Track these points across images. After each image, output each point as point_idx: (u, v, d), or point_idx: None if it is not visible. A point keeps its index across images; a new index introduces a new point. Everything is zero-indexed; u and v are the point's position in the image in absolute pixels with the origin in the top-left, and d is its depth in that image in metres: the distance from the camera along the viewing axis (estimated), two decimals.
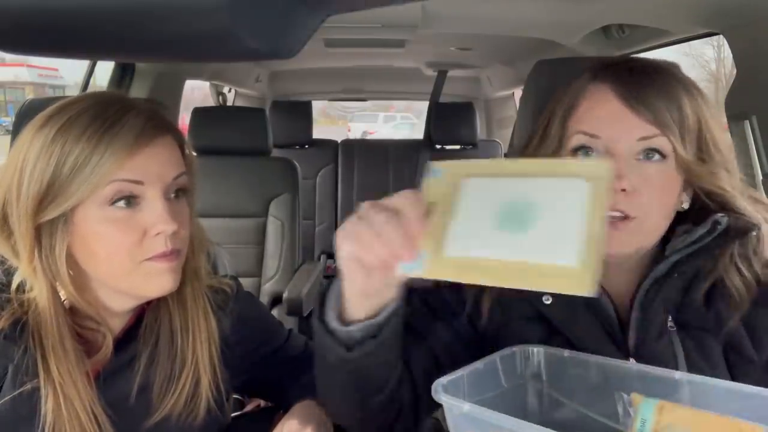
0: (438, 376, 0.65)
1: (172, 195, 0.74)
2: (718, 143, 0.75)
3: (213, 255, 0.94)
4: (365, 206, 0.61)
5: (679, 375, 0.62)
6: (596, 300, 0.78)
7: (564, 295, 0.77)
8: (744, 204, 0.75)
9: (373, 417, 0.76)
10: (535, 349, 0.70)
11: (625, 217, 0.73)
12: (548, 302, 0.79)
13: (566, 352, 0.66)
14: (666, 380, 0.62)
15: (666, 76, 0.75)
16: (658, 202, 0.74)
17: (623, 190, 0.71)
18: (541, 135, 0.82)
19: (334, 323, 0.68)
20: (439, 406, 0.89)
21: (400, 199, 0.60)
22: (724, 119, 1.22)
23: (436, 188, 0.61)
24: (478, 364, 0.66)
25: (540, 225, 0.55)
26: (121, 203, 0.70)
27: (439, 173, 0.62)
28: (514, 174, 0.59)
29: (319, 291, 0.71)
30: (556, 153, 0.80)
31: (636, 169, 0.73)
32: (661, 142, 0.73)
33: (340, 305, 0.69)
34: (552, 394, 0.68)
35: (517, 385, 0.67)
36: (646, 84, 0.74)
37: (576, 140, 0.76)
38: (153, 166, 0.71)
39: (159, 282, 0.73)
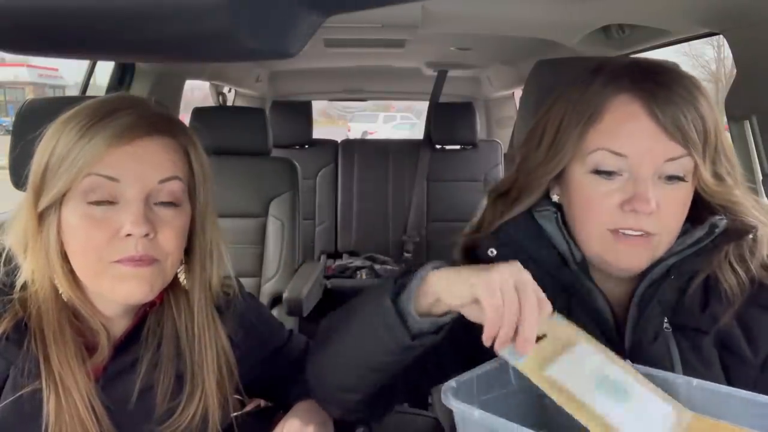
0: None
1: (160, 200, 0.73)
2: (728, 153, 0.75)
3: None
4: (525, 281, 0.64)
5: (683, 380, 0.62)
6: (593, 301, 0.78)
7: (559, 297, 0.78)
8: (751, 212, 0.76)
9: (369, 396, 0.77)
10: None
11: (647, 234, 0.73)
12: None
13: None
14: (676, 385, 0.63)
15: (691, 89, 0.73)
16: (678, 219, 0.74)
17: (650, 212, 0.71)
18: (550, 144, 0.78)
19: (411, 310, 0.68)
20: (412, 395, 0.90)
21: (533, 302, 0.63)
22: (724, 120, 1.22)
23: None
24: (487, 366, 0.66)
25: (628, 407, 0.61)
26: (96, 197, 0.69)
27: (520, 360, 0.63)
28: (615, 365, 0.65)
29: (396, 276, 0.72)
30: (568, 167, 0.77)
31: (659, 188, 0.72)
32: (686, 163, 0.72)
33: (413, 296, 0.69)
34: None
35: (527, 385, 0.67)
36: (676, 101, 0.71)
37: (598, 157, 0.73)
38: (132, 165, 0.70)
39: (126, 287, 0.70)
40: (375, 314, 0.70)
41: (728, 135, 1.21)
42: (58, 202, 0.70)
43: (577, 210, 0.77)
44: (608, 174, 0.73)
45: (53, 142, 0.70)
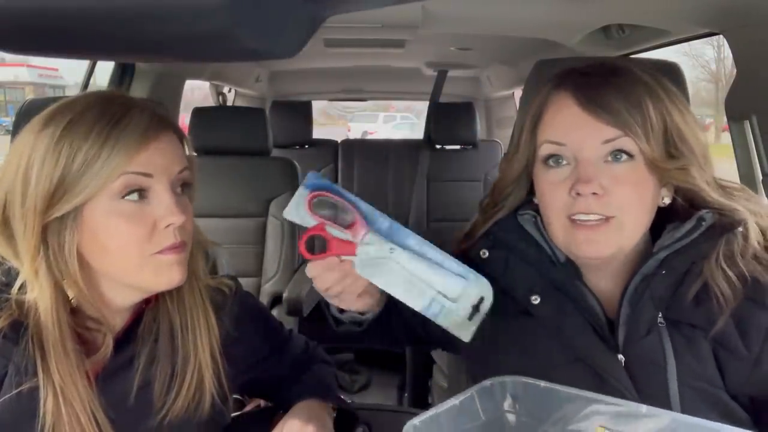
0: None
1: (178, 189, 0.76)
2: (687, 138, 0.76)
3: (212, 255, 0.95)
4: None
5: (645, 409, 0.60)
6: (583, 298, 0.80)
7: (552, 295, 0.81)
8: (717, 198, 0.77)
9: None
10: (511, 381, 0.67)
11: (605, 219, 0.74)
12: (536, 302, 0.81)
13: (542, 383, 0.64)
14: (635, 413, 0.60)
15: (624, 77, 0.76)
16: (633, 199, 0.75)
17: (594, 193, 0.73)
18: (515, 145, 0.85)
19: (332, 310, 0.86)
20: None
21: None
22: (725, 120, 1.22)
23: None
24: (454, 401, 0.64)
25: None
26: (133, 196, 0.71)
27: None
28: None
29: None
30: (531, 161, 0.82)
31: (606, 171, 0.74)
32: (626, 143, 0.74)
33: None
34: (530, 424, 0.66)
35: (495, 417, 0.66)
36: (603, 87, 0.75)
37: (544, 149, 0.79)
38: (160, 160, 0.73)
39: (168, 275, 0.74)
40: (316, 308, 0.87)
41: (728, 135, 1.21)
42: (80, 207, 0.70)
43: (541, 204, 0.82)
44: (555, 163, 0.78)
45: (64, 150, 0.68)
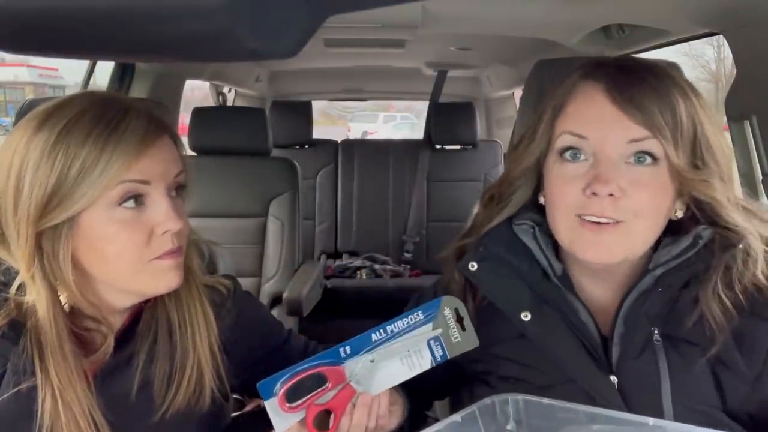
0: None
1: (173, 193, 0.75)
2: (714, 150, 0.72)
3: (208, 253, 0.95)
4: None
5: (652, 422, 0.59)
6: (575, 315, 0.77)
7: (542, 311, 0.78)
8: (736, 217, 0.72)
9: None
10: (512, 398, 0.65)
11: (614, 222, 0.71)
12: (527, 318, 0.77)
13: (545, 400, 0.63)
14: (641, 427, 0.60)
15: (660, 77, 0.72)
16: (648, 206, 0.71)
17: (610, 194, 0.69)
18: (530, 135, 0.80)
19: None
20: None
21: None
22: (724, 120, 1.22)
23: None
24: (456, 417, 0.63)
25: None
26: (130, 203, 0.70)
27: None
28: None
29: None
30: (544, 153, 0.78)
31: (626, 173, 0.70)
32: (653, 145, 0.70)
33: None
34: None
35: None
36: (638, 84, 0.71)
37: (563, 140, 0.74)
38: (158, 166, 0.72)
39: (167, 279, 0.74)
40: None
41: (727, 140, 1.21)
42: (75, 215, 0.69)
43: (549, 199, 0.77)
44: (573, 157, 0.73)
45: (60, 157, 0.67)
